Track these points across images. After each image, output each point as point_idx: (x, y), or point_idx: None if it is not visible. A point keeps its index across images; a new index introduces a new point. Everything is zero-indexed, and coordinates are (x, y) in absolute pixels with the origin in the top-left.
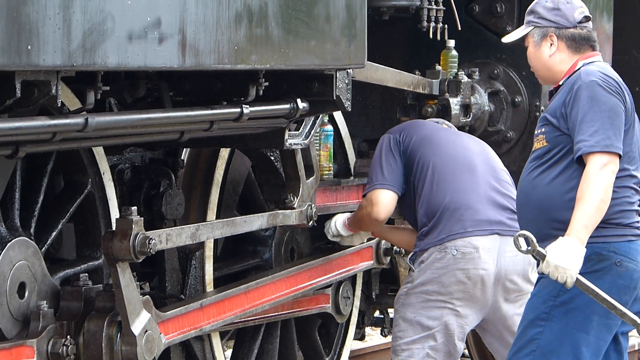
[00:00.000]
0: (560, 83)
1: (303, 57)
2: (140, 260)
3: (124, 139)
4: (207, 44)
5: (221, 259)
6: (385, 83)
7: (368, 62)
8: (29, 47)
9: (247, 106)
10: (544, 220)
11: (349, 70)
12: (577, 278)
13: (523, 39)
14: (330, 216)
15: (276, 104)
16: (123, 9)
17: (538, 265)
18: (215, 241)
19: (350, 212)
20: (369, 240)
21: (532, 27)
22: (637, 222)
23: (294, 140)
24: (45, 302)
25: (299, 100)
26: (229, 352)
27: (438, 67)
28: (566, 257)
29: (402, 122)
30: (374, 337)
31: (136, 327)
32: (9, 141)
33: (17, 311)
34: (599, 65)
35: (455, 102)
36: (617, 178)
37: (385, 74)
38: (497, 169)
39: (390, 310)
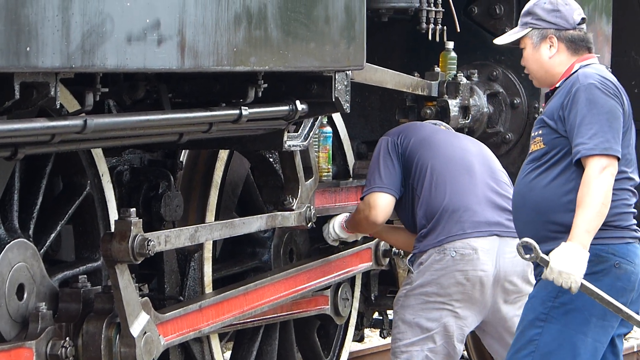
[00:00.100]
0: (557, 85)
1: (302, 58)
2: (139, 261)
3: (123, 140)
4: (206, 46)
5: (220, 260)
6: (384, 85)
7: (367, 63)
8: (28, 49)
9: (246, 108)
10: (541, 223)
11: (347, 72)
12: (581, 283)
13: (517, 41)
14: (328, 218)
15: (275, 105)
16: (122, 11)
17: (535, 268)
18: (214, 243)
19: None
20: (367, 241)
21: (530, 28)
22: (635, 224)
23: (292, 142)
24: (44, 303)
25: (297, 102)
26: (228, 354)
27: (437, 69)
28: (570, 262)
29: (400, 124)
30: (373, 338)
31: (135, 329)
32: (7, 143)
33: (15, 313)
34: (596, 67)
35: (454, 104)
36: (615, 180)
37: (384, 75)
38: (496, 170)
39: (389, 312)
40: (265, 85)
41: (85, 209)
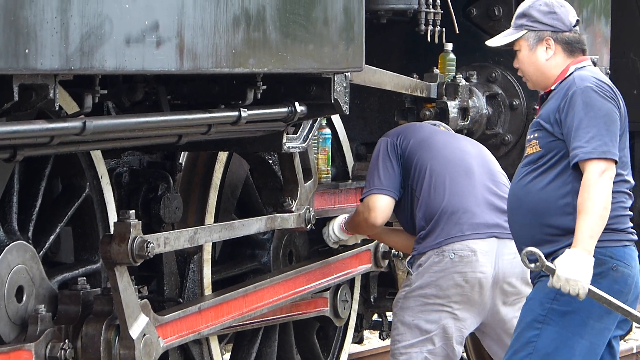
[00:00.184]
0: (552, 88)
1: (301, 60)
2: (139, 263)
3: (122, 142)
4: (205, 48)
5: (219, 262)
6: (383, 86)
7: (366, 65)
8: (27, 51)
9: (245, 109)
10: (538, 225)
11: (346, 74)
12: (589, 289)
13: (510, 42)
14: (328, 219)
15: (274, 107)
16: (121, 13)
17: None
18: (214, 244)
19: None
20: (367, 243)
21: (526, 30)
22: (631, 227)
23: (292, 143)
24: (43, 305)
25: (296, 104)
26: (227, 356)
27: (436, 71)
28: (576, 269)
29: (399, 125)
30: (372, 340)
31: (134, 331)
32: (6, 145)
33: (15, 315)
34: (591, 70)
35: (453, 106)
36: (613, 183)
37: (383, 77)
38: (495, 171)
39: (389, 314)
40: (264, 87)
41: (85, 211)
